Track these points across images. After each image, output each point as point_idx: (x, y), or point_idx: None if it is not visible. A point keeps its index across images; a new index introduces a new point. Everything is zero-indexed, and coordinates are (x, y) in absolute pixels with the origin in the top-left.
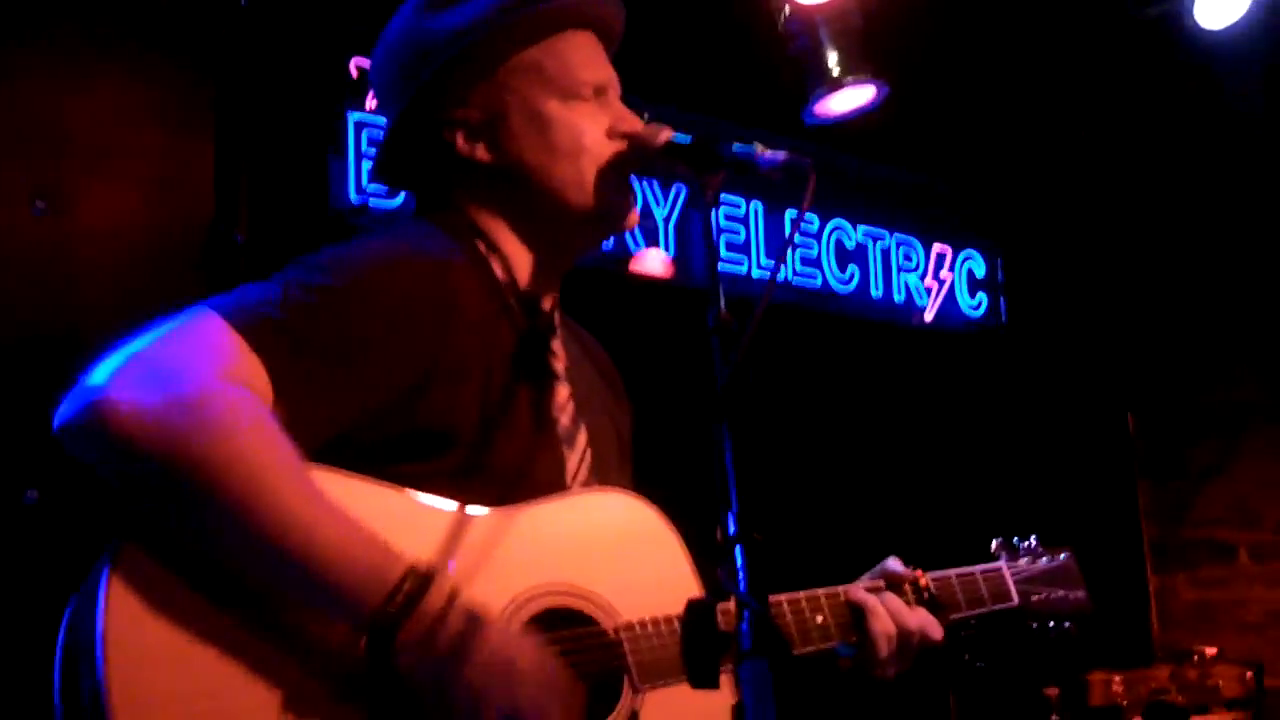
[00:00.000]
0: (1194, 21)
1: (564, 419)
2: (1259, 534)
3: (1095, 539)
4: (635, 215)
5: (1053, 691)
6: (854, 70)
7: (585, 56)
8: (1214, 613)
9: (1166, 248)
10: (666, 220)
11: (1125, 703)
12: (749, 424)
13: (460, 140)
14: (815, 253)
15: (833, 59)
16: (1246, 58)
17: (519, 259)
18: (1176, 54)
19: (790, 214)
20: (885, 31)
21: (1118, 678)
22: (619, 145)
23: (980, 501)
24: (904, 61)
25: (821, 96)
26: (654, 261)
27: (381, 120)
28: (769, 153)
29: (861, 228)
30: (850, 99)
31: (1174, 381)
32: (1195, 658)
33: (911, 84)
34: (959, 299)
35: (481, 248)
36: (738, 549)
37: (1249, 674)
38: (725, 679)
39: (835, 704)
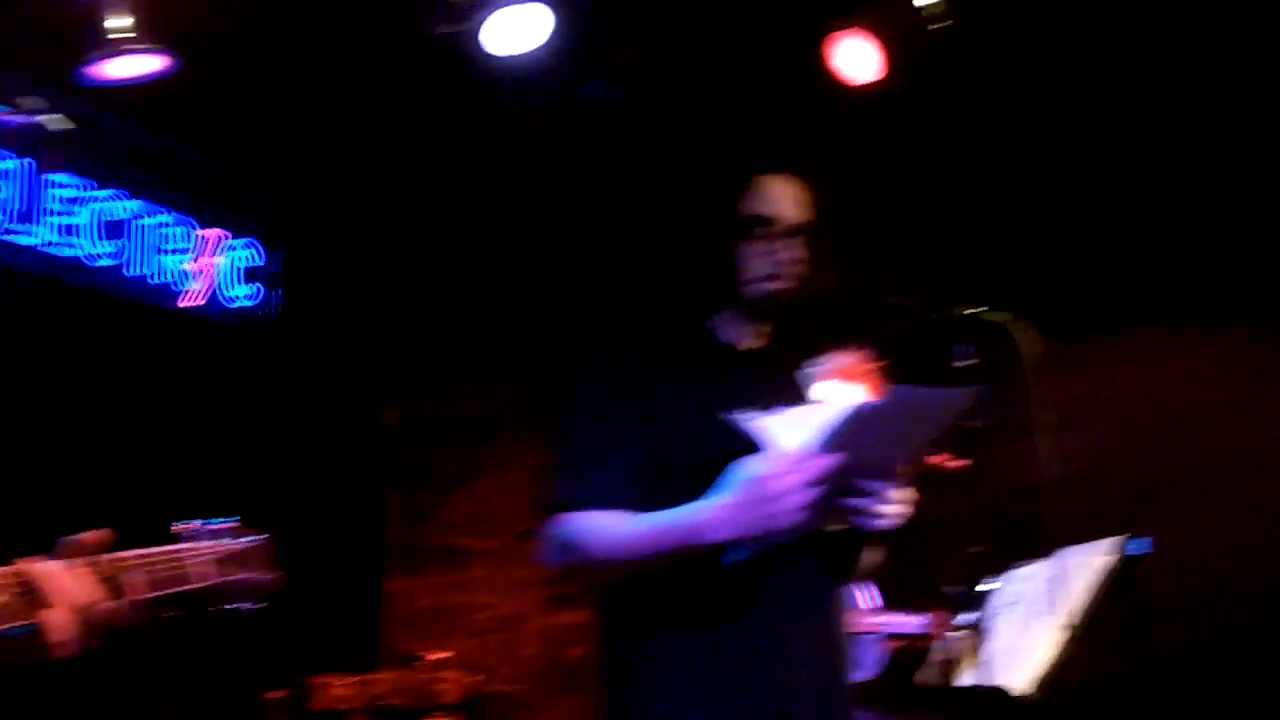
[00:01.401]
0: (480, 47)
1: None
2: (494, 542)
3: (339, 541)
4: None
5: (275, 695)
6: (138, 37)
7: None
8: (448, 618)
9: (435, 260)
10: None
11: (348, 707)
12: None
13: None
14: (76, 221)
15: (113, 22)
16: (534, 82)
17: None
18: (465, 73)
19: (54, 178)
20: (184, 6)
21: (342, 681)
22: None
23: (229, 493)
24: (206, 41)
25: (97, 59)
26: None
27: None
28: (8, 115)
29: (134, 202)
30: (132, 66)
31: (429, 391)
32: (422, 662)
33: (212, 66)
34: (228, 286)
35: None
36: None
37: (471, 678)
38: None
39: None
